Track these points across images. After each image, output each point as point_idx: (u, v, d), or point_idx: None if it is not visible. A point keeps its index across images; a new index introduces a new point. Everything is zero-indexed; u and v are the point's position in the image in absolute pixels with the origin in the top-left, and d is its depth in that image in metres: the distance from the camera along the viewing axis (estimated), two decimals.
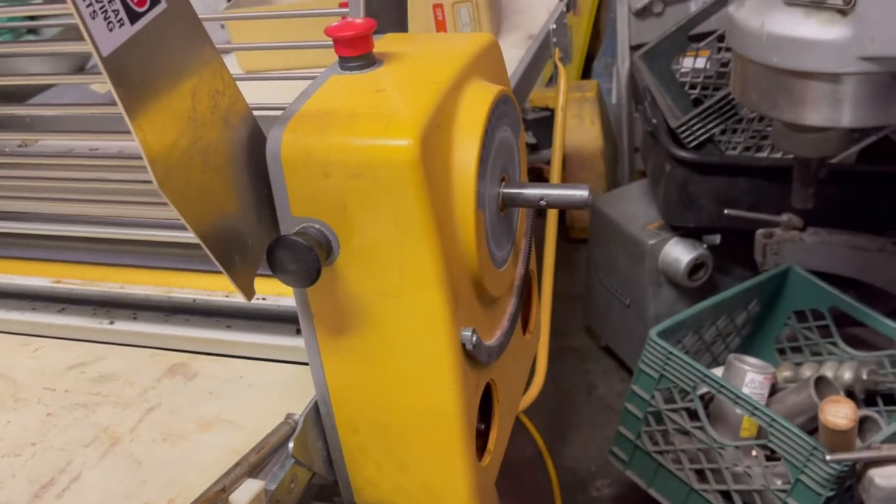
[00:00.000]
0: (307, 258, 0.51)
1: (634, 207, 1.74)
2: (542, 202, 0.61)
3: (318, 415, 0.62)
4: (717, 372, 1.35)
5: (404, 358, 0.57)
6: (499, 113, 0.60)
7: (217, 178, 0.49)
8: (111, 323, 0.75)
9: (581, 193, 0.60)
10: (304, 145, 0.52)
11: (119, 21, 0.40)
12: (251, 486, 0.55)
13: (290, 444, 0.58)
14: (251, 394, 0.65)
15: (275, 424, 0.60)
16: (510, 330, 0.68)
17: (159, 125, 0.44)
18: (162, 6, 0.43)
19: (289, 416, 0.61)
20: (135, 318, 0.75)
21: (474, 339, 0.56)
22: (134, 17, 0.41)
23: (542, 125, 2.43)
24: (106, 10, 0.40)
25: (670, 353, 1.21)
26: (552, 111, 2.43)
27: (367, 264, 0.54)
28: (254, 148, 0.53)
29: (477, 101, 0.57)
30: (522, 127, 0.69)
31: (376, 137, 0.51)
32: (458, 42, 0.64)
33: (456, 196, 0.55)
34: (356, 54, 0.58)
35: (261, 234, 0.54)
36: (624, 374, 1.91)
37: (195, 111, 0.46)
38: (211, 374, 0.68)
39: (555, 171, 1.48)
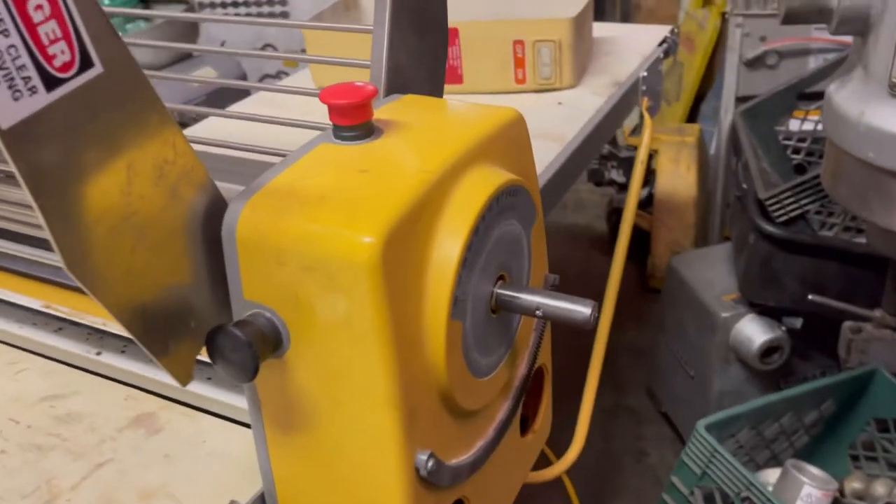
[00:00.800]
0: (245, 354, 0.45)
1: (713, 273, 1.61)
2: (538, 312, 0.53)
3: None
4: (773, 474, 1.22)
5: (352, 471, 0.51)
6: (502, 206, 0.52)
7: (154, 256, 0.44)
8: (98, 354, 0.72)
9: (583, 311, 0.51)
10: (260, 226, 0.46)
11: (30, 88, 0.36)
12: None
13: None
14: (207, 464, 0.61)
15: None
16: (496, 439, 0.60)
17: (76, 207, 0.39)
18: (96, 70, 0.39)
19: (231, 502, 0.56)
20: (123, 352, 0.72)
21: (430, 464, 0.49)
22: (52, 83, 0.37)
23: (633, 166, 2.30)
24: (11, 76, 0.35)
25: (715, 451, 1.09)
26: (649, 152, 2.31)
27: (318, 365, 0.48)
28: (212, 220, 0.48)
29: (471, 194, 0.50)
30: (541, 217, 0.61)
31: (336, 228, 0.45)
32: (476, 117, 0.57)
33: (428, 301, 0.48)
34: (350, 124, 0.52)
35: (211, 314, 0.49)
36: (679, 445, 1.78)
37: (130, 185, 0.42)
38: (175, 432, 0.64)
39: (624, 234, 1.38)
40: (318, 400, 0.49)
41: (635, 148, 2.33)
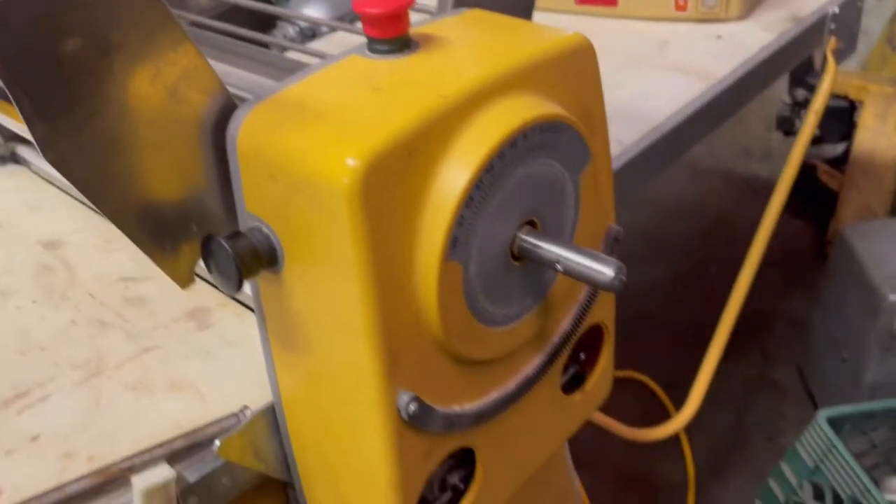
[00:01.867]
0: (229, 266, 0.45)
1: (891, 249, 1.41)
2: (558, 266, 0.47)
3: (275, 416, 0.57)
4: None
5: (340, 401, 0.49)
6: (532, 143, 0.47)
7: (151, 156, 0.44)
8: None
9: (605, 273, 0.45)
10: (258, 138, 0.45)
11: None
12: (160, 473, 0.52)
13: (216, 442, 0.53)
14: (239, 367, 0.62)
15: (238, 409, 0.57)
16: (518, 393, 0.56)
17: (57, 98, 0.39)
18: None
19: (242, 409, 0.57)
20: None
21: (412, 407, 0.47)
22: None
23: (833, 116, 2.05)
24: None
25: (833, 446, 0.97)
26: (849, 101, 2.04)
27: (307, 289, 0.46)
28: (221, 126, 0.47)
29: (491, 126, 0.45)
30: (604, 162, 0.54)
31: (323, 148, 0.42)
32: (534, 40, 0.51)
33: (423, 238, 0.44)
34: (382, 37, 0.48)
35: (216, 221, 0.49)
36: None
37: (122, 83, 0.41)
38: (221, 330, 0.66)
39: (780, 190, 1.26)
40: (310, 324, 0.48)
41: (837, 97, 2.07)
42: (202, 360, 0.63)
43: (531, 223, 0.50)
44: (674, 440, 1.64)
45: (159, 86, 0.43)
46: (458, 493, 0.58)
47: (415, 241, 0.44)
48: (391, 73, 0.47)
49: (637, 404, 1.75)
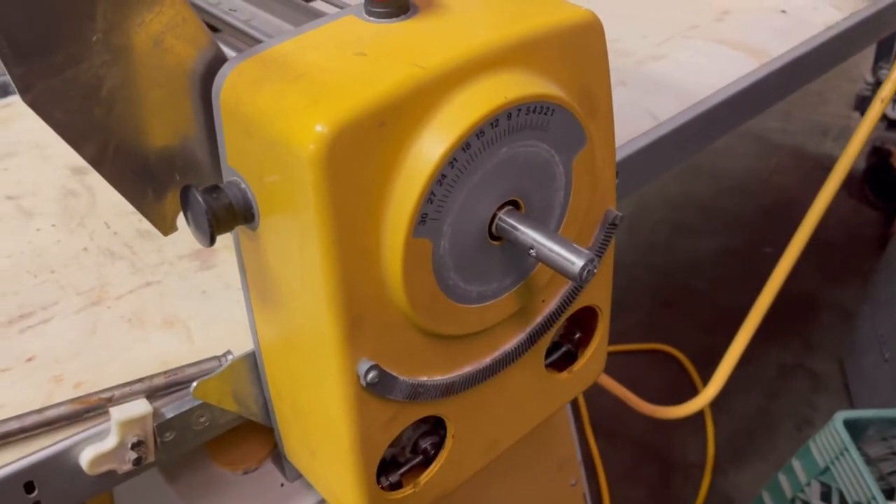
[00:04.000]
0: (202, 220, 0.45)
1: None
2: (532, 251, 0.46)
3: (255, 363, 0.58)
4: None
5: (306, 359, 0.50)
6: (517, 123, 0.45)
7: (133, 103, 0.44)
8: None
9: (575, 262, 0.44)
10: (239, 93, 0.44)
11: None
12: (138, 407, 0.54)
13: (193, 384, 0.55)
14: (232, 311, 0.63)
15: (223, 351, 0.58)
16: (494, 369, 0.56)
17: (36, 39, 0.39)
18: None
19: (225, 353, 0.58)
20: None
21: (371, 375, 0.47)
22: None
23: None
24: None
25: (846, 449, 0.94)
26: None
27: (278, 246, 0.47)
28: (208, 78, 0.47)
29: (471, 102, 0.43)
30: (605, 145, 0.52)
31: (294, 112, 0.41)
32: (540, 14, 0.49)
33: (390, 213, 0.44)
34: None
35: (200, 172, 0.49)
36: None
37: (102, 30, 0.41)
38: (222, 272, 0.67)
39: (837, 172, 1.20)
40: (281, 282, 0.48)
41: None
42: (198, 300, 0.65)
43: (514, 203, 0.49)
44: (698, 418, 1.62)
45: (143, 35, 0.43)
46: (429, 458, 0.59)
47: (383, 213, 0.44)
48: (380, 37, 0.46)
49: (666, 377, 1.73)
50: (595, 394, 1.52)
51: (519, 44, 0.46)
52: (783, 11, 1.02)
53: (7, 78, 0.40)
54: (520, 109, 0.45)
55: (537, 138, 0.47)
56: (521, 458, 0.92)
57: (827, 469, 0.97)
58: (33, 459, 0.51)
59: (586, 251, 0.45)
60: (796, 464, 1.03)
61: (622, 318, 1.84)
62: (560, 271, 0.45)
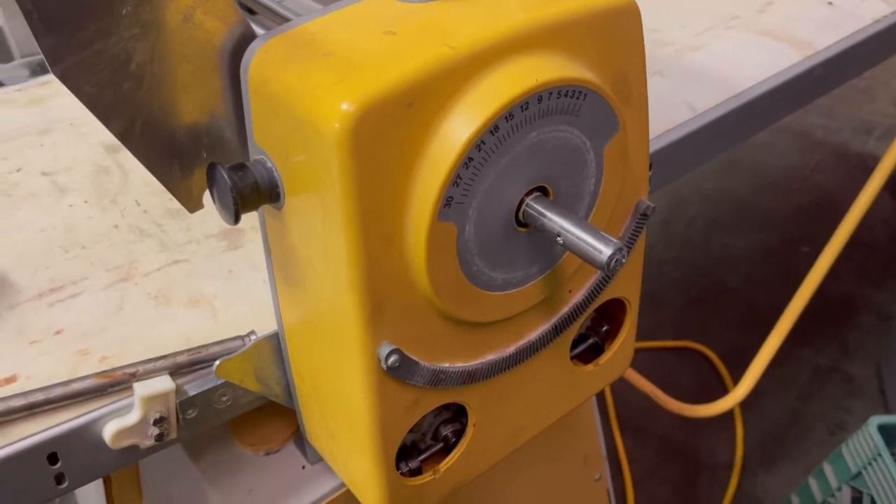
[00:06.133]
0: (227, 198, 0.45)
1: None
2: (559, 239, 0.46)
3: (279, 344, 0.58)
4: None
5: (328, 342, 0.50)
6: (548, 107, 0.44)
7: (162, 78, 0.44)
8: None
9: (603, 251, 0.43)
10: (266, 71, 0.44)
11: None
12: (161, 384, 0.54)
13: (216, 363, 0.55)
14: (257, 290, 0.63)
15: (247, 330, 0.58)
16: (517, 358, 0.55)
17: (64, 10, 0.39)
18: None
19: (249, 333, 0.58)
20: None
21: (392, 359, 0.47)
22: None
23: None
24: None
25: (879, 454, 0.92)
26: None
27: (302, 227, 0.46)
28: (237, 55, 0.46)
29: (501, 84, 0.42)
30: (639, 131, 0.51)
31: (320, 90, 0.41)
32: None
33: (415, 196, 0.43)
34: None
35: (228, 149, 0.49)
36: None
37: (132, 3, 0.41)
38: (249, 253, 0.67)
39: (882, 170, 1.18)
40: (304, 263, 0.48)
41: None
42: (224, 280, 0.65)
43: (543, 190, 0.48)
44: (727, 418, 1.60)
45: (173, 9, 0.43)
46: (450, 446, 0.58)
47: (408, 196, 0.43)
48: (410, 17, 0.45)
49: (696, 375, 1.70)
50: (622, 389, 1.51)
51: (552, 26, 0.45)
52: (829, 3, 0.99)
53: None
54: (551, 93, 0.44)
55: (568, 123, 0.46)
56: (545, 451, 0.91)
57: (859, 474, 0.95)
58: (57, 431, 0.51)
59: (615, 240, 0.44)
60: (827, 468, 1.01)
61: (653, 314, 1.82)
62: (587, 260, 0.44)
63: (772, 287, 1.85)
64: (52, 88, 0.92)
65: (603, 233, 0.44)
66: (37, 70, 0.95)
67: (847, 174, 2.23)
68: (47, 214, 0.72)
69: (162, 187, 0.73)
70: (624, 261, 0.43)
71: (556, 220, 0.45)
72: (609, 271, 0.43)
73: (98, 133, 0.83)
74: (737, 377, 1.65)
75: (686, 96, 0.83)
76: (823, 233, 1.48)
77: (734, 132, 0.84)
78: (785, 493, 1.43)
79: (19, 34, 0.97)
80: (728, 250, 1.99)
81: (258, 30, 0.47)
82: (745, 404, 1.26)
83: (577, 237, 0.44)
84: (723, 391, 1.63)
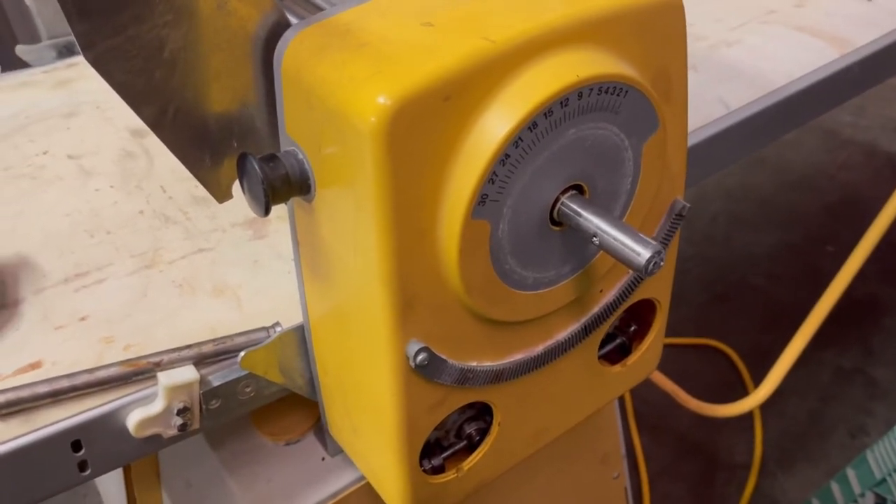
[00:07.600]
0: (257, 189, 0.44)
1: None
2: (595, 239, 0.44)
3: (304, 336, 0.58)
4: None
5: (355, 337, 0.49)
6: (588, 104, 0.43)
7: (195, 66, 0.44)
8: None
9: (641, 253, 0.42)
10: (300, 61, 0.43)
11: None
12: (185, 374, 0.54)
13: (241, 354, 0.55)
14: (283, 281, 0.63)
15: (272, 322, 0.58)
16: (545, 358, 0.54)
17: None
18: None
19: (274, 325, 0.58)
20: None
21: (420, 357, 0.46)
22: None
23: None
24: None
25: None
26: None
27: (333, 221, 0.46)
28: (270, 43, 0.46)
29: (540, 79, 0.41)
30: (677, 131, 0.50)
31: (355, 82, 0.40)
32: None
33: (450, 192, 0.42)
34: None
35: (259, 139, 0.48)
36: None
37: None
38: (274, 242, 0.67)
39: None
40: (334, 257, 0.47)
41: None
42: (249, 269, 0.64)
43: (578, 188, 0.47)
44: (746, 418, 1.58)
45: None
46: (474, 444, 0.58)
47: (442, 192, 0.42)
48: (448, 8, 0.44)
49: (715, 373, 1.69)
50: (641, 386, 1.50)
51: (594, 20, 0.44)
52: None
53: (71, 38, 0.40)
54: (591, 89, 0.43)
55: (607, 120, 0.45)
56: (564, 450, 0.90)
57: (883, 481, 0.93)
58: (82, 419, 0.51)
59: (653, 242, 0.42)
60: (851, 473, 1.00)
61: (674, 311, 1.79)
62: (624, 262, 0.43)
63: (795, 286, 1.83)
64: (78, 71, 0.91)
65: (641, 234, 0.43)
66: (63, 52, 0.95)
67: (875, 173, 2.20)
68: (73, 198, 0.72)
69: (188, 174, 0.72)
70: (662, 263, 0.42)
71: (593, 220, 0.44)
72: (647, 274, 0.42)
73: (124, 117, 0.83)
74: (757, 375, 1.63)
75: (719, 92, 0.82)
76: (848, 232, 1.45)
77: (768, 130, 0.83)
78: (804, 496, 1.41)
79: (47, 15, 0.96)
80: (750, 248, 1.96)
81: (292, 18, 0.47)
82: (766, 404, 1.25)
83: (615, 238, 0.43)
84: (742, 389, 1.61)
